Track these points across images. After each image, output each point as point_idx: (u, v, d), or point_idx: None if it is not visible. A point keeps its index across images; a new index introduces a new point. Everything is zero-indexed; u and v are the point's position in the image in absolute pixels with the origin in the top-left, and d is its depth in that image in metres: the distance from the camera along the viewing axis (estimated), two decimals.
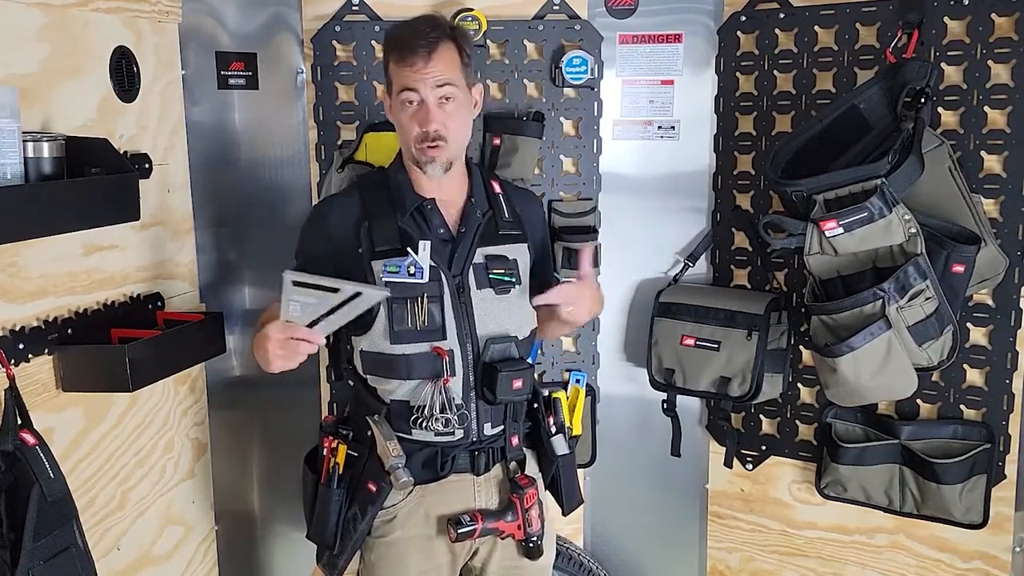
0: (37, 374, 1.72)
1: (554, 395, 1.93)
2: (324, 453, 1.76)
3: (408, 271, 1.66)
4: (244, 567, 2.51)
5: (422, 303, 1.67)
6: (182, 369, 2.08)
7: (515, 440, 1.80)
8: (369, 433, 1.72)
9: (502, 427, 1.78)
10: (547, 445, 1.85)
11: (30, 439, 1.54)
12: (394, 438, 1.69)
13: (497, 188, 1.84)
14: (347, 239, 1.72)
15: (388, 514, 1.74)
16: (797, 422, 2.28)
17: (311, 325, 1.57)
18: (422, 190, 1.75)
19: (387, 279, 1.66)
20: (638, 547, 2.55)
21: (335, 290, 1.57)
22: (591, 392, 2.40)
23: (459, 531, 1.69)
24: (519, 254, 1.79)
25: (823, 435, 2.20)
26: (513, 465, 1.81)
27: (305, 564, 2.54)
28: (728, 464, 2.36)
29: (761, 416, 2.34)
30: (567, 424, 1.97)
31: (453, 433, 1.71)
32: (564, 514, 1.92)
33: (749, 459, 2.37)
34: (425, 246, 1.67)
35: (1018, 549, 2.07)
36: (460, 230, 1.75)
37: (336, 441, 1.75)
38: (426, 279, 1.67)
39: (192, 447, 2.28)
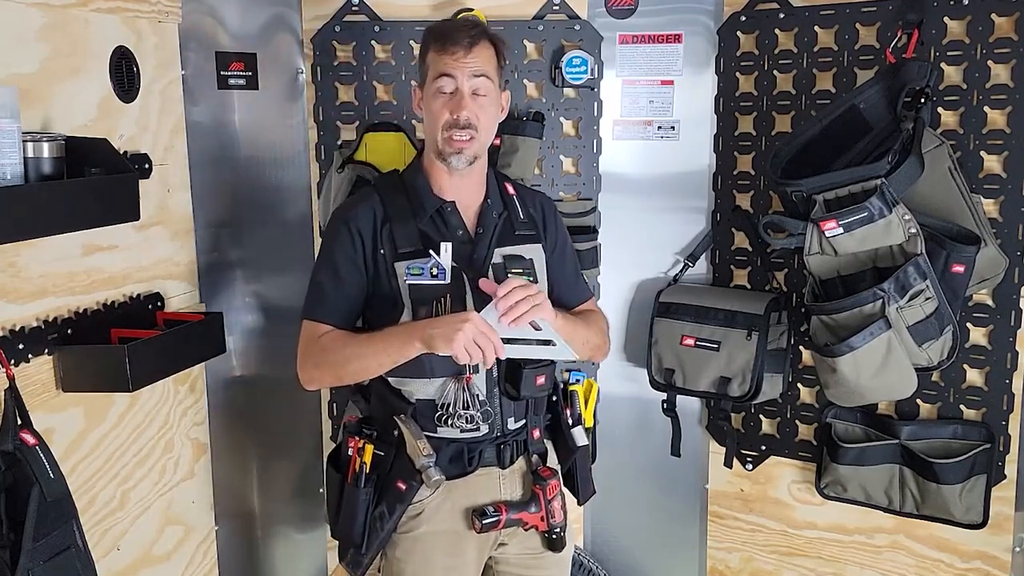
0: (37, 374, 1.72)
1: (570, 388, 1.96)
2: (350, 453, 1.76)
3: (431, 272, 1.68)
4: (244, 567, 2.51)
5: (445, 304, 1.68)
6: (182, 369, 2.08)
7: (536, 433, 1.83)
8: (396, 432, 1.73)
9: (524, 421, 1.80)
10: (567, 436, 1.87)
11: (30, 439, 1.54)
12: (423, 437, 1.70)
13: (511, 190, 1.86)
14: (370, 240, 1.73)
15: (415, 509, 1.74)
16: (797, 422, 2.28)
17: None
18: (442, 192, 1.76)
19: (410, 281, 1.68)
20: (638, 547, 2.55)
21: (537, 328, 1.61)
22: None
23: (483, 522, 1.71)
24: (535, 254, 1.81)
25: (823, 435, 2.20)
26: (535, 458, 1.84)
27: (305, 564, 2.54)
28: (728, 464, 2.36)
29: (761, 416, 2.34)
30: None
31: (478, 428, 1.73)
32: (579, 503, 1.95)
33: (749, 459, 2.37)
34: (447, 247, 1.69)
35: (1018, 549, 2.07)
36: (478, 231, 1.77)
37: (362, 441, 1.75)
38: (448, 280, 1.68)
39: (192, 447, 2.28)
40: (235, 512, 2.46)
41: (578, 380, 2.36)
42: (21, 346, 1.67)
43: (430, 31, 1.76)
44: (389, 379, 1.76)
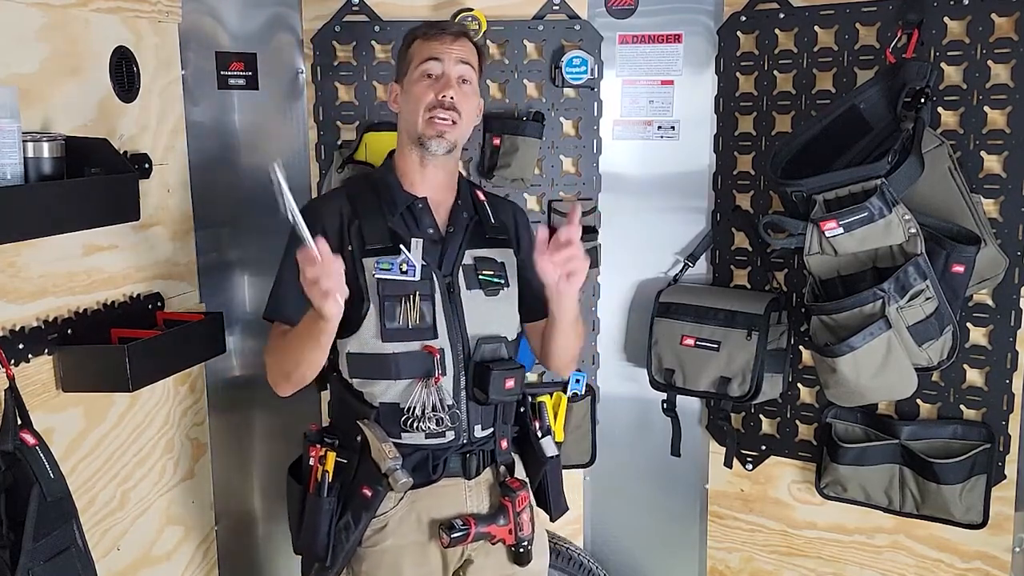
0: (37, 374, 1.72)
1: (538, 399, 1.93)
2: (311, 463, 1.72)
3: (400, 269, 1.66)
4: (244, 567, 2.51)
5: (414, 301, 1.66)
6: (182, 369, 2.08)
7: (504, 443, 1.79)
8: (359, 438, 1.69)
9: (492, 429, 1.77)
10: (536, 447, 1.84)
11: (30, 439, 1.53)
12: (389, 440, 1.66)
13: (481, 196, 1.85)
14: (336, 238, 1.69)
15: (379, 522, 1.71)
16: (797, 422, 2.28)
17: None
18: (413, 188, 1.74)
19: (379, 276, 1.65)
20: (638, 547, 2.55)
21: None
22: (591, 392, 2.40)
23: (452, 536, 1.67)
24: (506, 258, 1.79)
25: (823, 435, 2.20)
26: (503, 469, 1.80)
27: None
28: (728, 464, 2.36)
29: (761, 416, 2.34)
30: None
31: (444, 434, 1.69)
32: (552, 520, 1.91)
33: (749, 459, 2.37)
34: (417, 244, 1.67)
35: (1018, 549, 2.07)
36: (448, 230, 1.75)
37: (324, 449, 1.71)
38: (418, 277, 1.66)
39: (192, 447, 2.28)
40: (235, 512, 2.46)
41: (579, 380, 2.36)
42: (21, 346, 1.66)
43: (413, 29, 1.77)
44: (352, 381, 1.72)
